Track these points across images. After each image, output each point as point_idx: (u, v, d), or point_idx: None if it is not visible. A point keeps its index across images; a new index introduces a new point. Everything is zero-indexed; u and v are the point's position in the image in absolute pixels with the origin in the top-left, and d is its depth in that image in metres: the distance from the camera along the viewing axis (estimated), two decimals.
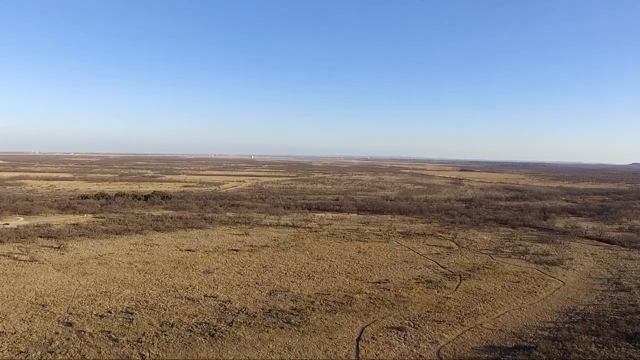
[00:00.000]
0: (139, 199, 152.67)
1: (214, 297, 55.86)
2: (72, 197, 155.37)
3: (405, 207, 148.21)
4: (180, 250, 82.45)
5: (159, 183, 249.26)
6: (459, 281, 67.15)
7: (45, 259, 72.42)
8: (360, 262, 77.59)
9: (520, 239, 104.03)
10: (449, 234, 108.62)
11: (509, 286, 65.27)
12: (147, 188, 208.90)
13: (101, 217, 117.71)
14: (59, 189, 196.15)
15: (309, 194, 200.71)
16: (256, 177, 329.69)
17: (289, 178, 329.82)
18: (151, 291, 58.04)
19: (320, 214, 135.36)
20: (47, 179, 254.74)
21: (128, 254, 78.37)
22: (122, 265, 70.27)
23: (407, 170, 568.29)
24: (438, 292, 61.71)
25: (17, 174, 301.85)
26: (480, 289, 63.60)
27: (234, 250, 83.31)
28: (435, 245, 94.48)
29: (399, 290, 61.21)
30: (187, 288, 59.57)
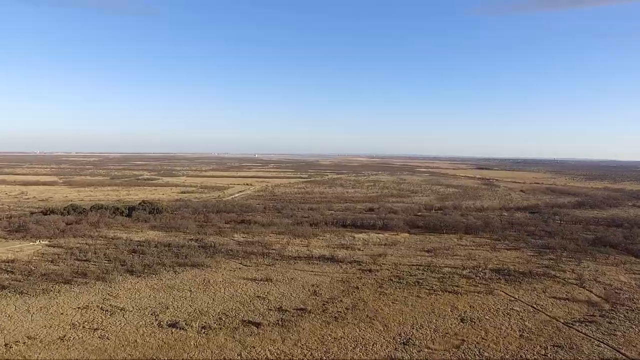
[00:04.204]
0: (121, 214, 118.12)
1: None
2: (34, 211, 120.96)
3: (468, 223, 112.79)
4: (159, 324, 47.50)
5: (154, 188, 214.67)
6: None
7: None
8: (484, 354, 42.52)
9: None
10: (564, 270, 73.67)
11: None
12: (137, 195, 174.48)
13: (57, 246, 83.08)
14: (28, 198, 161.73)
15: (333, 201, 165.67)
16: (264, 179, 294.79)
17: (301, 180, 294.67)
18: None
19: (361, 235, 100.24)
20: (25, 184, 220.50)
21: (62, 339, 43.44)
22: None
23: (422, 169, 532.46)
24: None
25: None
26: None
27: (253, 323, 48.25)
28: (566, 299, 59.35)
29: None
30: None
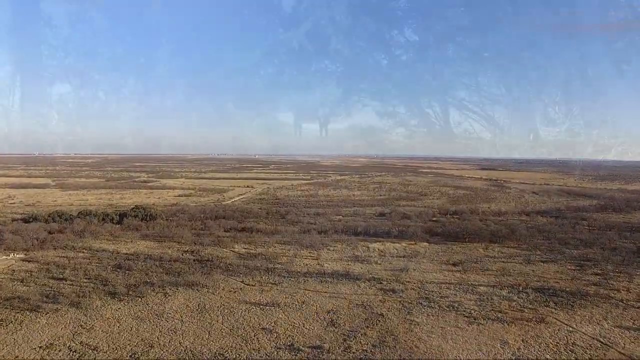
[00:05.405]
0: (111, 221, 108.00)
1: None
2: (16, 218, 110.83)
3: (491, 229, 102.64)
4: None
5: (150, 191, 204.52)
6: None
7: None
8: None
9: None
10: (617, 288, 63.50)
11: None
12: (131, 199, 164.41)
13: (32, 261, 72.91)
14: (13, 203, 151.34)
15: (340, 205, 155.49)
16: (266, 181, 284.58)
17: (303, 181, 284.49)
18: None
19: (375, 245, 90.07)
20: (13, 187, 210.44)
21: None
22: None
23: (426, 170, 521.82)
24: None
25: None
26: None
27: None
28: (637, 329, 49.21)
29: None
30: None
